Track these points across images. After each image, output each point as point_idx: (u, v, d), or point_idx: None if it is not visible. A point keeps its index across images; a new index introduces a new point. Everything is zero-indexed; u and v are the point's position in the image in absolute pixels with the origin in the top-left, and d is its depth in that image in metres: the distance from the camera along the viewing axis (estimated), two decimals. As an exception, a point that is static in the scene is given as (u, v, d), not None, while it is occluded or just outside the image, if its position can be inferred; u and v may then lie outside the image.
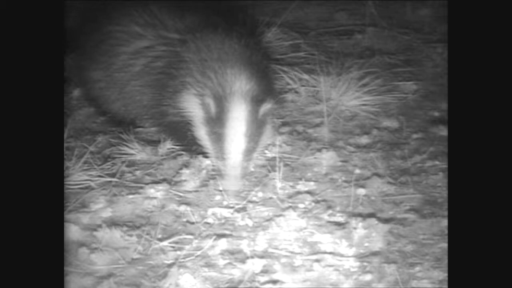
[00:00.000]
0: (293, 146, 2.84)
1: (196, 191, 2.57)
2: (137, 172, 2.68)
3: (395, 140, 2.88)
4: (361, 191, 2.53)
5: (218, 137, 2.44)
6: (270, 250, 2.27)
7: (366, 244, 2.28)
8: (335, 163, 2.71)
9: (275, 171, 2.62)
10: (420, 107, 3.11)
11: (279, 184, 2.57)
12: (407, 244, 2.27)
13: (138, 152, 2.77)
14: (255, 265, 2.19)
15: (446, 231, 2.28)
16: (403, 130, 2.94)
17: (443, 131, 2.88)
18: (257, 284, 2.12)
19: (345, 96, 3.08)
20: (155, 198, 2.52)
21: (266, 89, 2.56)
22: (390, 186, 2.56)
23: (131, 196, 2.53)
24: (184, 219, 2.42)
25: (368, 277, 2.14)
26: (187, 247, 2.28)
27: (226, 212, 2.45)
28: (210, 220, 2.42)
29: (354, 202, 2.47)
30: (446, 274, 2.10)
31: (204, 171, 2.66)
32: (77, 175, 2.60)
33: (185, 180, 2.61)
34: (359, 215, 2.40)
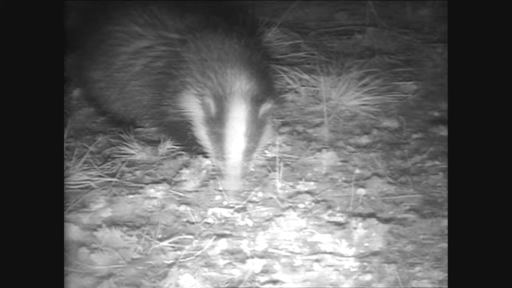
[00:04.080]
0: (293, 146, 2.84)
1: (196, 191, 2.57)
2: (137, 172, 2.68)
3: (395, 140, 2.88)
4: (361, 191, 2.53)
5: (218, 137, 2.44)
6: (270, 250, 2.27)
7: (366, 244, 2.28)
8: (335, 163, 2.71)
9: (275, 171, 2.62)
10: (420, 107, 3.11)
11: (279, 184, 2.57)
12: (407, 244, 2.27)
13: (138, 152, 2.77)
14: (255, 265, 2.19)
15: (446, 231, 2.28)
16: (403, 130, 2.94)
17: (443, 131, 2.88)
18: (257, 284, 2.12)
19: (345, 96, 3.08)
20: (155, 198, 2.52)
21: (266, 89, 2.56)
22: (390, 186, 2.56)
23: (131, 196, 2.53)
24: (184, 219, 2.42)
25: (368, 277, 2.14)
26: (187, 247, 2.28)
27: (226, 212, 2.45)
28: (210, 220, 2.42)
29: (354, 202, 2.47)
30: (446, 274, 2.10)
31: (204, 171, 2.66)
32: (77, 175, 2.60)
33: (185, 180, 2.61)
34: (359, 215, 2.40)
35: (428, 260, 2.20)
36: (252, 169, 2.67)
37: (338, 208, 2.46)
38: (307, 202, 2.49)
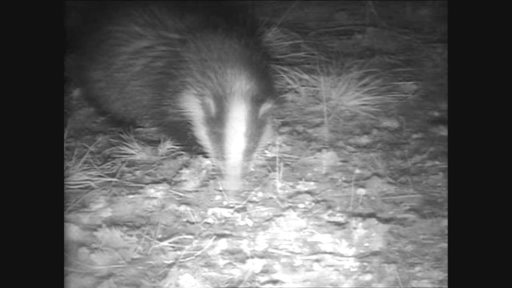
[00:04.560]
0: (293, 146, 2.84)
1: (196, 191, 2.57)
2: (137, 172, 2.68)
3: (395, 140, 2.88)
4: (361, 191, 2.53)
5: (218, 137, 2.44)
6: (270, 250, 2.27)
7: (366, 244, 2.28)
8: (335, 163, 2.71)
9: (275, 171, 2.62)
10: (420, 107, 3.11)
11: (279, 184, 2.57)
12: (407, 244, 2.27)
13: (138, 152, 2.77)
14: (255, 265, 2.19)
15: (446, 231, 2.28)
16: (403, 130, 2.94)
17: (443, 131, 2.88)
18: (257, 284, 2.12)
19: (345, 96, 3.08)
20: (155, 198, 2.52)
21: (266, 89, 2.56)
22: (390, 186, 2.56)
23: (131, 196, 2.53)
24: (184, 219, 2.42)
25: (368, 277, 2.14)
26: (187, 247, 2.28)
27: (226, 212, 2.45)
28: (210, 220, 2.42)
29: (354, 202, 2.47)
30: (446, 274, 2.10)
31: (204, 171, 2.66)
32: (77, 175, 2.60)
33: (185, 180, 2.61)
34: (359, 215, 2.40)
35: (428, 260, 2.20)
36: (252, 169, 2.67)
37: (338, 208, 2.46)
38: (307, 202, 2.49)
